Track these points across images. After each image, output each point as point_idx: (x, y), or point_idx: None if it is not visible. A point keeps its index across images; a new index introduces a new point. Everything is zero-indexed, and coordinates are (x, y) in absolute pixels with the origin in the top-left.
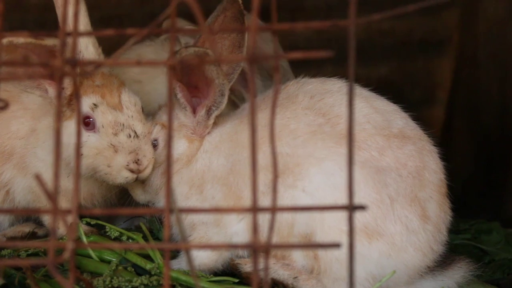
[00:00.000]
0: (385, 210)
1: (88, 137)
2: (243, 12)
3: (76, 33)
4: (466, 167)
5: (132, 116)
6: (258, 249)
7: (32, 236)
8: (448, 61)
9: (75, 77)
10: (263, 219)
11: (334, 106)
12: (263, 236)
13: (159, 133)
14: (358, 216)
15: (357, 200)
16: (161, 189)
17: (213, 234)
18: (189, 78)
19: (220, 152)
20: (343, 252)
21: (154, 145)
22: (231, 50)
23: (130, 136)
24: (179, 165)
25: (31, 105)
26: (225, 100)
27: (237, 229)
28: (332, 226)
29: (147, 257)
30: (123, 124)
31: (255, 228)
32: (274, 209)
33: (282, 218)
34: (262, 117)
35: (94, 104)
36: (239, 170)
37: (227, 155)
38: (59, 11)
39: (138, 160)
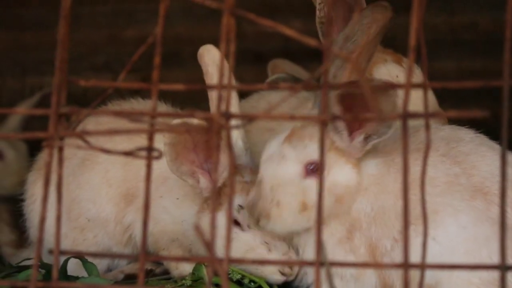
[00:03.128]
0: None
1: (235, 233)
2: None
3: (230, 87)
4: None
5: None
6: None
7: (150, 274)
8: None
9: (229, 130)
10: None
11: (470, 155)
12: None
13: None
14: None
15: (487, 256)
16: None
17: None
18: (352, 104)
19: (368, 197)
20: None
21: (313, 170)
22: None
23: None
24: (349, 194)
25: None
26: (390, 132)
27: (369, 284)
28: (461, 277)
29: None
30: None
31: (406, 284)
32: (423, 266)
33: (412, 272)
34: (399, 161)
35: (240, 206)
36: (382, 219)
37: (372, 201)
38: (212, 66)
39: (292, 266)
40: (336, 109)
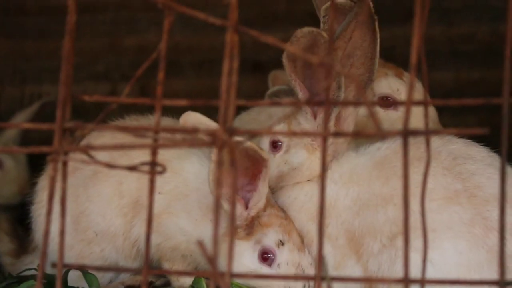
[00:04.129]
0: None
1: (260, 269)
2: (374, 16)
3: (234, 102)
4: None
5: (311, 264)
6: None
7: (150, 286)
8: None
9: (232, 146)
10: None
11: (475, 175)
12: None
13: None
14: None
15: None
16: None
17: None
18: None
19: (348, 191)
20: None
21: (275, 146)
22: (363, 61)
23: (304, 287)
24: (299, 176)
25: (183, 172)
26: (342, 94)
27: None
28: None
29: None
30: (304, 270)
31: None
32: (423, 281)
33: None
34: (398, 167)
35: (281, 241)
36: (368, 217)
37: (354, 198)
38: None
39: None
40: (292, 76)
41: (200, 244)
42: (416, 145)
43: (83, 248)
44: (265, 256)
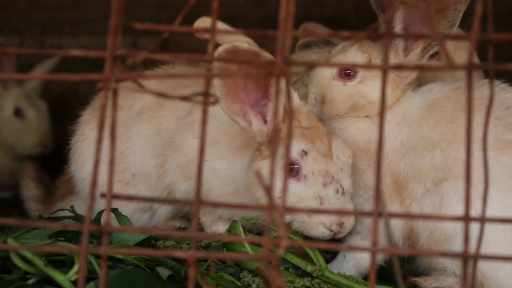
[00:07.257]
0: None
1: (288, 183)
2: None
3: (291, 33)
4: None
5: (341, 169)
6: (469, 258)
7: (181, 231)
8: None
9: (289, 77)
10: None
11: None
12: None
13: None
14: None
15: None
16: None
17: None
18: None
19: (399, 132)
20: None
21: (347, 74)
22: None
23: (337, 192)
24: (373, 110)
25: (217, 114)
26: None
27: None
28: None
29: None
30: (333, 177)
31: (466, 238)
32: (483, 219)
33: (442, 227)
34: (448, 112)
35: (304, 151)
36: (414, 161)
37: (403, 140)
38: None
39: (342, 223)
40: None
41: (258, 174)
42: (475, 92)
43: (119, 190)
44: (290, 167)
